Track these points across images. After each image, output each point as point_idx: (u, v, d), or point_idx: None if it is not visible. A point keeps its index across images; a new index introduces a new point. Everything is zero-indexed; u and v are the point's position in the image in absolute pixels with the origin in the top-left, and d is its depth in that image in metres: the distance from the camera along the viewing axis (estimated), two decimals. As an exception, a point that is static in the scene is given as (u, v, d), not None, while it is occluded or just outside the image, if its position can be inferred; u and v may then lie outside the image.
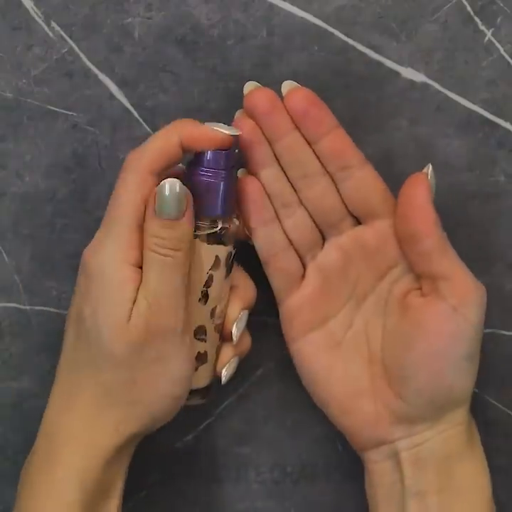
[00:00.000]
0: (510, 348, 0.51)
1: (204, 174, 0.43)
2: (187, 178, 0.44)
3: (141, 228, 0.42)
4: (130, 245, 0.42)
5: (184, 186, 0.42)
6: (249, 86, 0.45)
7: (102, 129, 0.49)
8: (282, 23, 0.48)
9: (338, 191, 0.46)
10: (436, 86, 0.48)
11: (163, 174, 0.43)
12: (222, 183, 0.43)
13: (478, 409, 0.50)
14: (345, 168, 0.45)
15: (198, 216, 0.44)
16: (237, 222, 0.45)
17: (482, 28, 0.48)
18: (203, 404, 0.47)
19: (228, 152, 0.43)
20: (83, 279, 0.43)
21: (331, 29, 0.48)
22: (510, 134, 0.49)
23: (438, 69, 0.48)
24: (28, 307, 0.50)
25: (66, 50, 0.48)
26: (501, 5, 0.48)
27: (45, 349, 0.50)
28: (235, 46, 0.48)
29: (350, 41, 0.48)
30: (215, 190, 0.43)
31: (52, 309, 0.50)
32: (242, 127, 0.44)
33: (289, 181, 0.46)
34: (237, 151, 0.44)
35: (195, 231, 0.44)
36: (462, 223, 0.49)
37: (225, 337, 0.46)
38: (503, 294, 0.50)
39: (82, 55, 0.48)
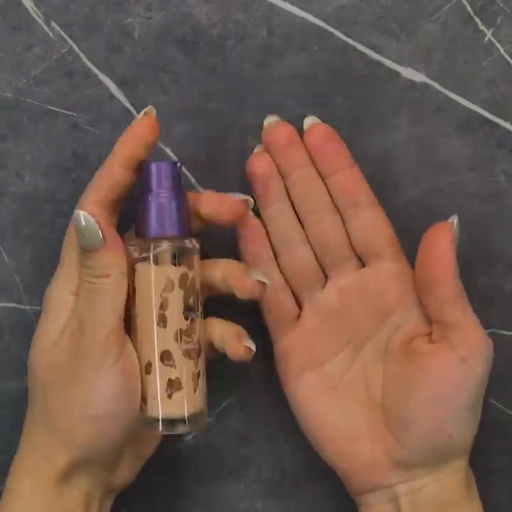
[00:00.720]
0: (510, 348, 0.51)
1: (150, 195, 0.43)
2: (136, 200, 0.44)
3: None
4: (72, 276, 0.44)
5: (91, 218, 0.42)
6: (269, 120, 0.46)
7: (102, 129, 0.49)
8: (282, 23, 0.48)
9: (345, 231, 0.46)
10: (436, 86, 0.48)
11: (118, 207, 0.44)
12: (169, 202, 0.43)
13: (478, 409, 0.50)
14: (355, 206, 0.45)
15: (144, 237, 0.43)
16: (191, 244, 0.44)
17: (482, 28, 0.48)
18: (191, 433, 0.46)
19: (174, 170, 0.43)
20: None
21: (331, 29, 0.48)
22: (510, 134, 0.49)
23: (438, 69, 0.48)
24: (28, 307, 0.50)
25: (66, 50, 0.48)
26: (501, 5, 0.48)
27: (45, 349, 0.50)
28: (235, 46, 0.48)
29: (350, 41, 0.48)
30: (159, 209, 0.43)
31: (52, 309, 0.50)
32: (259, 163, 0.45)
33: (297, 216, 0.46)
34: (179, 165, 0.44)
35: (141, 254, 0.43)
36: (462, 223, 0.49)
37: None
38: (503, 294, 0.50)
39: (82, 55, 0.48)
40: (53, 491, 0.43)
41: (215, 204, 0.44)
